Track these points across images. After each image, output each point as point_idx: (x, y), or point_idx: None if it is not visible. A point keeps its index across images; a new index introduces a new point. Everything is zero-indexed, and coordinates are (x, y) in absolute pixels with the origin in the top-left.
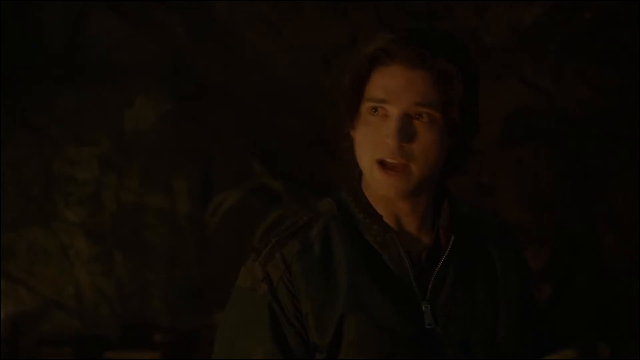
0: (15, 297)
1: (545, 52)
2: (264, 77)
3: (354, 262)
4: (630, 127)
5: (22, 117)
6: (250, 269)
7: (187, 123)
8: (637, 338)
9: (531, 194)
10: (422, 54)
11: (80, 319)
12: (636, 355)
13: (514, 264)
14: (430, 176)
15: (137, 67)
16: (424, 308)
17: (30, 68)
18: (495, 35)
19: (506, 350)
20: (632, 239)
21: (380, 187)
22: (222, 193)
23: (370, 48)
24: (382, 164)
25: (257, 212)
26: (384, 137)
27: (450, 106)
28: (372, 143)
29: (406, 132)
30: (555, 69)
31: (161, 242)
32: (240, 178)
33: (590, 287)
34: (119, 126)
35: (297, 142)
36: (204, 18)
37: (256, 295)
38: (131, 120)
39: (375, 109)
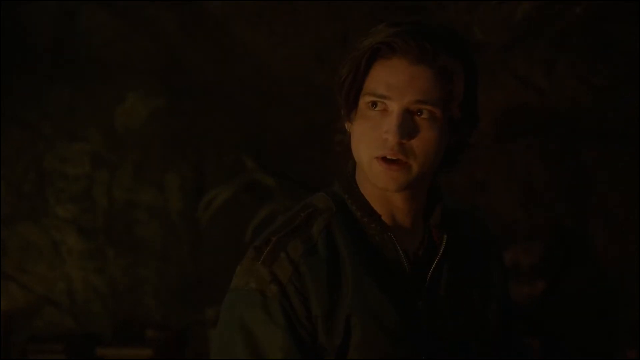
0: (7, 294)
1: (537, 47)
2: (256, 74)
3: (357, 262)
4: (623, 122)
5: (14, 113)
6: (250, 269)
7: (179, 119)
8: (630, 333)
9: (524, 189)
10: (425, 49)
11: (72, 315)
12: (631, 350)
13: (495, 258)
14: (429, 172)
15: (129, 63)
16: (420, 307)
17: (22, 64)
18: (487, 31)
19: (495, 345)
20: (624, 235)
21: (379, 181)
22: (214, 189)
23: (372, 40)
24: (382, 158)
25: (249, 208)
26: (383, 134)
27: (451, 103)
28: (371, 139)
29: (407, 129)
30: (547, 64)
31: (153, 239)
32: (233, 174)
33: (584, 282)
34: (111, 122)
35: (290, 138)
36: (195, 14)
37: (266, 297)
38: (123, 117)
39: (374, 104)
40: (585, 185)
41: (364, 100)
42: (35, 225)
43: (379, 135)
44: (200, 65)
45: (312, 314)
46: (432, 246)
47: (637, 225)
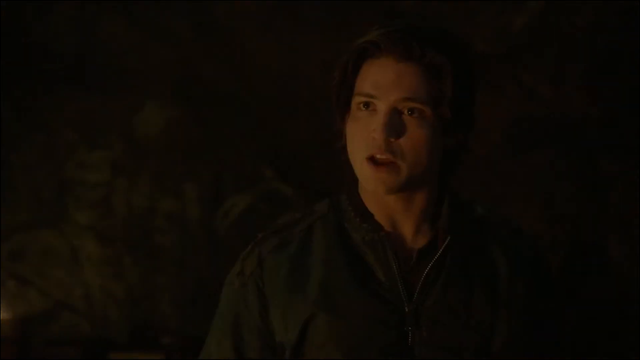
0: (25, 299)
1: (542, 58)
2: (269, 83)
3: (333, 262)
4: (635, 133)
5: (34, 120)
6: (235, 264)
7: (196, 128)
8: None
9: (543, 202)
10: (412, 46)
11: (89, 321)
12: None
13: (525, 275)
14: (423, 174)
15: (146, 72)
16: (406, 310)
17: (42, 72)
18: (488, 42)
19: None
20: None
21: (369, 183)
22: (233, 198)
23: (360, 41)
24: (372, 160)
25: (268, 217)
26: (371, 132)
27: (441, 101)
28: (361, 139)
29: (394, 127)
30: (553, 75)
31: (171, 246)
32: (251, 183)
33: (602, 296)
34: (130, 130)
35: (307, 147)
36: (209, 25)
37: (230, 289)
38: (141, 125)
39: (365, 105)
40: (602, 198)
41: (355, 101)
42: (55, 231)
43: (368, 135)
44: (215, 75)
45: (268, 310)
46: (436, 251)
47: None
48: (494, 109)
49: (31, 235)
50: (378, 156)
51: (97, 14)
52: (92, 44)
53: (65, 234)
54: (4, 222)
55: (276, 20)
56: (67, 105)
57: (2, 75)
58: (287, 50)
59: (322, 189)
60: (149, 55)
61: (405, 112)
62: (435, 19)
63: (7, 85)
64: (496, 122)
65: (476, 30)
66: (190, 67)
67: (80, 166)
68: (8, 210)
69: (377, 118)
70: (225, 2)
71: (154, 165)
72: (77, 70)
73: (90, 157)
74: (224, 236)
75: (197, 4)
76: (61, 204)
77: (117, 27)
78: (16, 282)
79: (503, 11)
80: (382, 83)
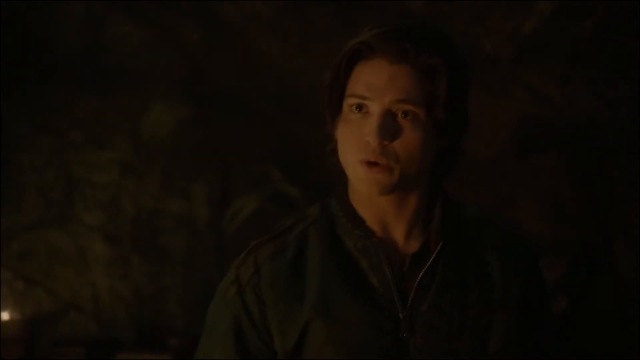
0: (33, 299)
1: (550, 61)
2: (276, 84)
3: (327, 268)
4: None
5: (43, 121)
6: (228, 272)
7: (204, 129)
8: None
9: (550, 204)
10: (405, 48)
11: (96, 321)
12: None
13: (519, 276)
14: (416, 176)
15: (154, 73)
16: (401, 317)
17: (51, 73)
18: (496, 44)
19: None
20: None
21: (362, 184)
22: (240, 199)
23: (353, 42)
24: (365, 162)
25: (275, 218)
26: (365, 136)
27: (435, 103)
28: (353, 142)
29: (388, 130)
30: (561, 78)
31: (178, 247)
32: (259, 184)
33: (607, 299)
34: (138, 131)
35: (314, 149)
36: (216, 26)
37: (226, 297)
38: (149, 125)
39: (358, 107)
40: (607, 200)
41: (347, 103)
42: (63, 231)
43: (361, 138)
44: (222, 76)
45: (267, 317)
46: (428, 254)
47: None
48: (501, 110)
49: (39, 235)
50: (371, 160)
51: (105, 14)
52: (100, 45)
53: (72, 235)
54: (11, 223)
55: (284, 22)
56: (74, 105)
57: (9, 76)
58: (295, 51)
59: (328, 191)
60: (157, 56)
61: (400, 114)
62: (444, 20)
63: (14, 86)
64: (503, 124)
65: (485, 32)
66: (198, 68)
67: (88, 167)
68: (16, 210)
69: (370, 121)
70: (233, 4)
71: (162, 166)
72: (84, 71)
73: (98, 158)
74: (231, 237)
75: (205, 5)
76: (69, 204)
77: (125, 28)
78: (23, 283)
79: (511, 14)
80: (376, 85)
